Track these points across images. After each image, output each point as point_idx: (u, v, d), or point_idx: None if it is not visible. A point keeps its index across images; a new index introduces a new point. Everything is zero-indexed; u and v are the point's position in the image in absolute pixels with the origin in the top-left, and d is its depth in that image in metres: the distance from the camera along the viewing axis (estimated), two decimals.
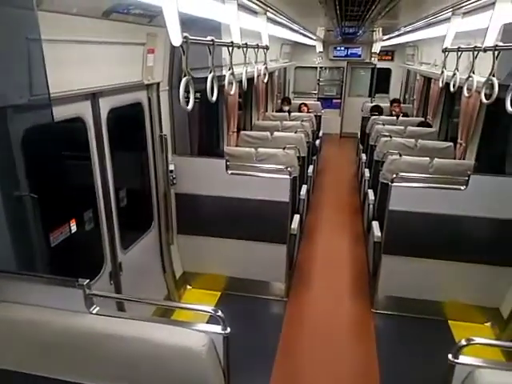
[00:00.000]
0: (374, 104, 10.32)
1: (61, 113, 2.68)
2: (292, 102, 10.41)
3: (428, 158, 4.96)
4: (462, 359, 1.76)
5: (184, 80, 2.32)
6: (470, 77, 3.32)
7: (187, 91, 2.39)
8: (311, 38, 9.56)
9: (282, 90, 12.14)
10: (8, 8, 1.87)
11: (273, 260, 4.64)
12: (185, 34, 2.19)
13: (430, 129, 7.38)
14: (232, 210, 4.49)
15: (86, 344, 1.81)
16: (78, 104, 2.97)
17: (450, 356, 1.77)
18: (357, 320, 4.57)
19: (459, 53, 3.72)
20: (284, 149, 5.41)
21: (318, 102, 11.23)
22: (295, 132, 6.72)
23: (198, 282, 4.94)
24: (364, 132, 8.68)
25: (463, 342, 1.77)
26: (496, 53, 2.81)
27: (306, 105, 10.13)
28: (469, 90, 3.52)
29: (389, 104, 9.61)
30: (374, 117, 8.24)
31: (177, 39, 2.15)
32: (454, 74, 3.76)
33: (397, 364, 3.84)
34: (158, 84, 4.00)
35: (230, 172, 4.41)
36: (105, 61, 3.05)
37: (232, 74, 3.24)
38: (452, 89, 3.83)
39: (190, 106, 2.46)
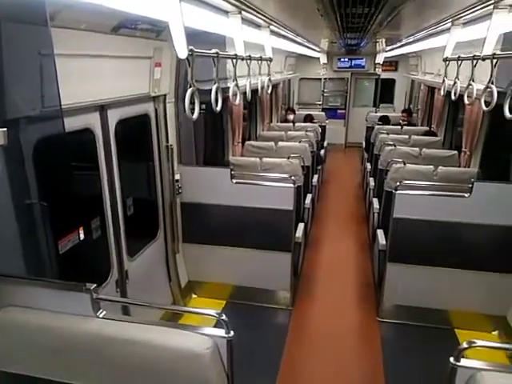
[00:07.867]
0: (381, 114, 10.35)
1: (71, 124, 2.76)
2: (296, 112, 10.48)
3: (432, 166, 4.96)
4: (464, 362, 1.74)
5: (189, 91, 2.39)
6: (469, 85, 3.36)
7: (192, 102, 2.46)
8: (315, 50, 9.65)
9: (286, 101, 12.25)
10: (22, 25, 1.96)
11: (278, 268, 4.65)
12: (190, 47, 2.26)
13: (435, 137, 7.38)
14: (237, 219, 4.52)
15: (92, 347, 1.83)
16: (87, 115, 3.06)
17: (451, 359, 1.75)
18: (362, 329, 4.55)
19: (459, 62, 3.78)
20: (288, 158, 5.45)
21: (323, 113, 11.34)
22: (299, 142, 6.75)
23: (203, 291, 4.96)
24: (369, 141, 8.71)
25: (465, 345, 1.75)
26: (495, 61, 2.87)
27: (311, 116, 10.16)
28: (469, 97, 3.56)
29: (393, 114, 9.69)
30: (378, 126, 8.24)
31: (182, 52, 2.23)
32: (455, 83, 3.81)
33: (403, 373, 3.81)
34: (165, 96, 4.08)
35: (234, 181, 4.46)
36: (113, 74, 3.14)
37: (236, 85, 3.32)
38: (453, 97, 3.87)
39: (195, 116, 2.52)
